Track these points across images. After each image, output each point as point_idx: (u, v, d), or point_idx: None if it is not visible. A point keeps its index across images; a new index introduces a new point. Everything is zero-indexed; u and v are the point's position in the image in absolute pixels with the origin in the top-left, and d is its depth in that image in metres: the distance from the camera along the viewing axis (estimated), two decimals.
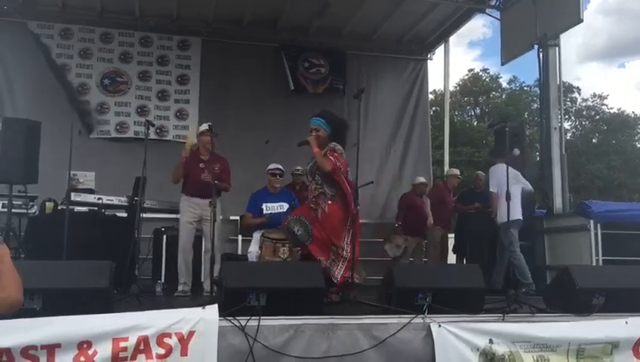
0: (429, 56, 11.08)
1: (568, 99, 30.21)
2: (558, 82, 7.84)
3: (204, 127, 6.45)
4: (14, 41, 9.09)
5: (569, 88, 29.82)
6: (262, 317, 4.00)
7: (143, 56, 9.67)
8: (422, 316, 4.32)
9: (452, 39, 10.82)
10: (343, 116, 10.05)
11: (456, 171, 9.13)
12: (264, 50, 10.17)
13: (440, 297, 4.49)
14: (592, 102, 33.23)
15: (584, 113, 33.30)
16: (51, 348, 3.53)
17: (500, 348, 4.28)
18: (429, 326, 4.27)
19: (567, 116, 30.00)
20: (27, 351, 3.49)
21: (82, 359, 3.56)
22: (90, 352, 3.58)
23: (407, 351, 4.23)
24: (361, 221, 6.46)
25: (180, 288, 6.03)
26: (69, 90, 9.14)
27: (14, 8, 9.00)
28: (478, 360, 4.23)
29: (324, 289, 4.56)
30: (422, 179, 9.03)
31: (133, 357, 3.67)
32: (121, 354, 3.65)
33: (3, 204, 6.29)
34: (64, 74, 9.23)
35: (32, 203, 6.74)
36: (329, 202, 5.29)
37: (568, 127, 30.95)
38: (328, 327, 4.18)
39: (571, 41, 41.28)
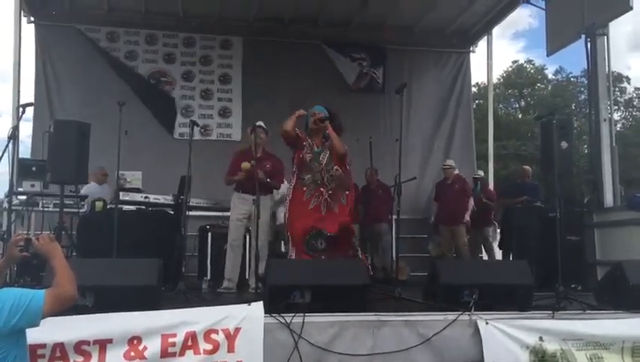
0: (471, 48, 10.87)
1: (617, 89, 29.15)
2: (607, 72, 7.57)
3: (258, 123, 6.42)
4: (62, 44, 9.35)
5: (618, 78, 28.75)
6: (306, 314, 4.02)
7: (187, 56, 9.82)
8: (468, 313, 4.27)
9: (496, 31, 10.59)
10: (385, 112, 10.20)
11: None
12: (305, 47, 10.16)
13: (486, 294, 4.43)
14: None
15: (635, 103, 32.17)
16: (103, 344, 3.64)
17: (551, 346, 4.21)
18: (476, 324, 4.22)
19: (616, 107, 28.99)
20: (80, 346, 3.60)
21: (132, 354, 3.66)
22: (140, 348, 3.67)
23: (454, 349, 4.19)
24: (404, 217, 6.43)
25: (224, 284, 6.06)
26: None
27: (62, 13, 9.26)
28: (528, 358, 4.17)
29: (368, 285, 4.55)
30: (448, 162, 8.82)
31: (182, 352, 3.75)
32: (170, 350, 3.73)
33: (55, 203, 6.47)
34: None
35: (82, 202, 6.90)
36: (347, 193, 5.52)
37: (618, 118, 29.93)
38: (374, 324, 4.18)
39: (620, 29, 39.62)
